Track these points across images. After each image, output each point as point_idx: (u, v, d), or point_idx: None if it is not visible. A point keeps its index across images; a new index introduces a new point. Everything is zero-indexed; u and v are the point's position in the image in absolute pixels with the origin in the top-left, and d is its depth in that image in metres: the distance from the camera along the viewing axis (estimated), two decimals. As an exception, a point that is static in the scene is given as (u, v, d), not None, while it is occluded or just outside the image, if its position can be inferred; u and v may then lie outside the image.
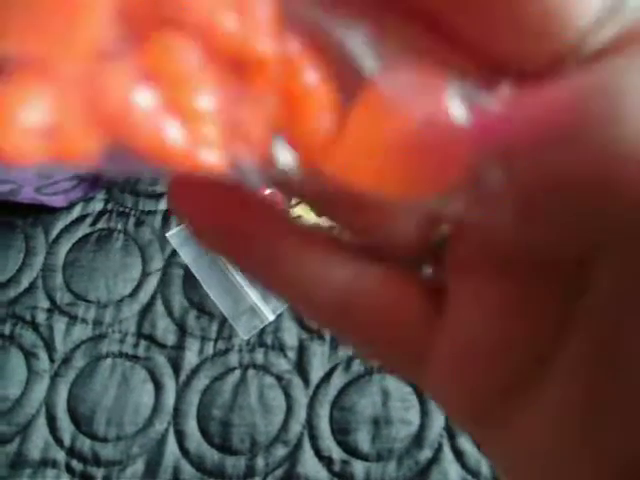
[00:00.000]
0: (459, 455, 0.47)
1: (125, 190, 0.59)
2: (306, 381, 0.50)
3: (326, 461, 0.47)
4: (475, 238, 0.13)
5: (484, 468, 0.47)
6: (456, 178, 0.11)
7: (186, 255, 0.55)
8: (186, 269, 0.54)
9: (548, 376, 0.12)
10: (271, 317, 0.52)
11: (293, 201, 0.54)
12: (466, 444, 0.48)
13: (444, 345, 0.13)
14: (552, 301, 0.12)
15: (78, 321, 0.53)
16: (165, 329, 0.52)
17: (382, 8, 0.12)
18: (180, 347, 0.51)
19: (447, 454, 0.48)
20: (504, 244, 0.12)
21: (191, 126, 0.11)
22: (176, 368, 0.51)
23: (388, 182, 0.12)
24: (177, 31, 0.10)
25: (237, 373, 0.50)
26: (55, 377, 0.50)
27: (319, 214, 0.15)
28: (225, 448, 0.48)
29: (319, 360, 0.51)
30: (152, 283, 0.54)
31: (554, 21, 0.11)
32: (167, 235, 0.56)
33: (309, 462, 0.47)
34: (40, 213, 0.57)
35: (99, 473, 0.47)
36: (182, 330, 0.52)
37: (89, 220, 0.58)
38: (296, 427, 0.48)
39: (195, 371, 0.50)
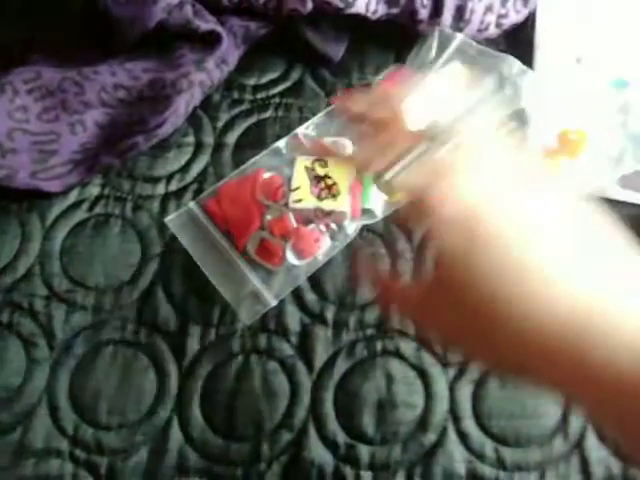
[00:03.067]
0: (464, 438, 0.48)
1: (122, 174, 0.58)
2: (310, 366, 0.50)
3: (331, 445, 0.47)
4: None
5: (488, 450, 0.47)
6: None
7: (185, 240, 0.54)
8: (186, 254, 0.53)
9: None
10: (273, 302, 0.51)
11: (293, 186, 0.53)
12: (470, 427, 0.48)
13: None
14: None
15: (77, 308, 0.52)
16: (166, 315, 0.51)
17: None
18: (182, 333, 0.51)
19: (452, 437, 0.48)
20: None
21: None
22: (178, 355, 0.50)
23: None
24: None
25: (240, 359, 0.50)
26: (55, 365, 0.50)
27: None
28: (230, 434, 0.48)
29: (322, 344, 0.50)
30: (152, 269, 0.54)
31: None
32: (165, 220, 0.55)
33: (314, 447, 0.47)
34: (35, 198, 0.56)
35: (103, 462, 0.47)
36: (183, 316, 0.51)
37: (86, 205, 0.57)
38: (300, 412, 0.48)
39: (198, 357, 0.50)
